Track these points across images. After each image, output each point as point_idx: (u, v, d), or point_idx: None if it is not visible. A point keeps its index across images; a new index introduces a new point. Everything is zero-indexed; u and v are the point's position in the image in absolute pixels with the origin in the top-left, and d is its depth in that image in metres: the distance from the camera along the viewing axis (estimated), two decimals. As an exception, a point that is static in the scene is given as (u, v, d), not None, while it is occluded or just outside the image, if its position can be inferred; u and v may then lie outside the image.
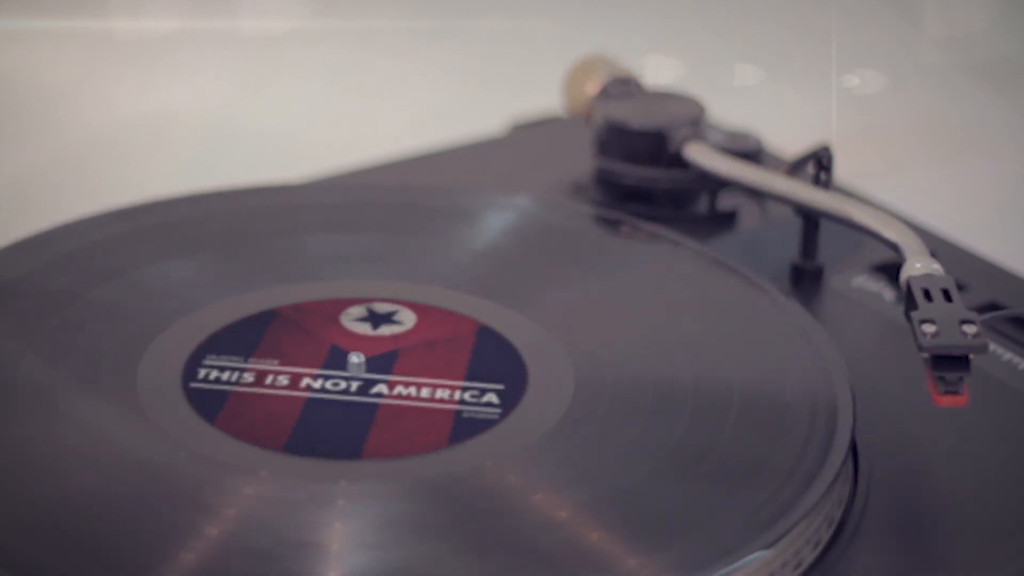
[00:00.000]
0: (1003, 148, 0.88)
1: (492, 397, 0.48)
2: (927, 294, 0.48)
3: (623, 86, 0.65)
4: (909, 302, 0.49)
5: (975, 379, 0.53)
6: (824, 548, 0.45)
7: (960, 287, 0.58)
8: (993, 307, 0.57)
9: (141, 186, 0.63)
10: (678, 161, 0.62)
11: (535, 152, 0.70)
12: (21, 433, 0.46)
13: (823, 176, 0.58)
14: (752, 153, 0.63)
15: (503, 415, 0.47)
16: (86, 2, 0.97)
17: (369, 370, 0.49)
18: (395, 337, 0.51)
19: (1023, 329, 0.56)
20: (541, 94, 0.68)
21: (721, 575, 0.42)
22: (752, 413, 0.48)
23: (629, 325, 0.52)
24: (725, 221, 0.62)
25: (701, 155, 0.61)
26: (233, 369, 0.49)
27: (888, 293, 0.58)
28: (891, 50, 0.96)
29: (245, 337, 0.51)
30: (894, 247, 0.53)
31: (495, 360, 0.50)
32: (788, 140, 0.68)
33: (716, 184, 0.62)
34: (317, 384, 0.49)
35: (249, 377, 0.49)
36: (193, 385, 0.48)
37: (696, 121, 0.63)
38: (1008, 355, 0.54)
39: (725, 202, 0.63)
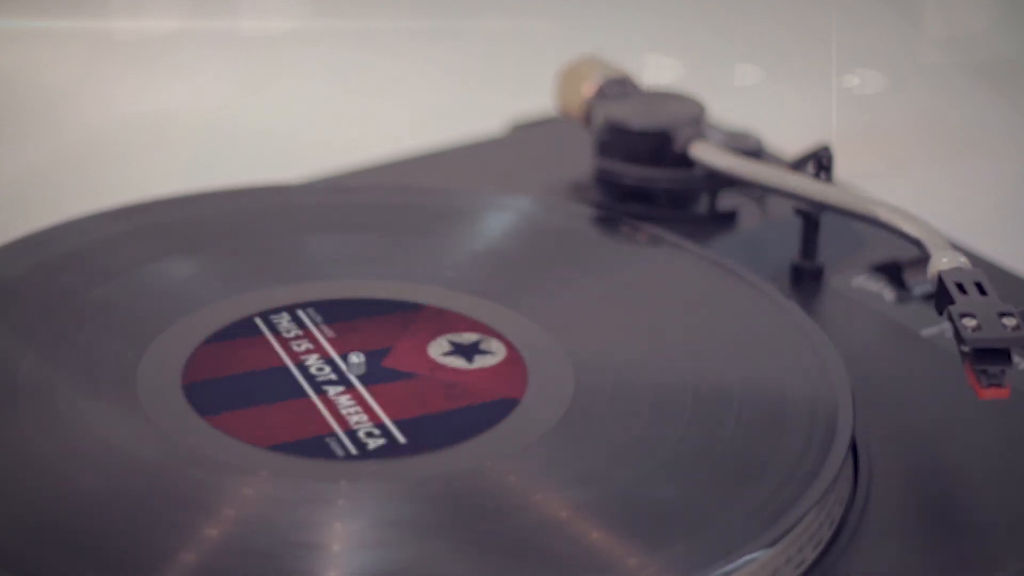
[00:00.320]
0: (1003, 148, 0.88)
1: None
2: (960, 287, 0.48)
3: (619, 86, 0.65)
4: (943, 296, 0.48)
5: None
6: (824, 548, 0.45)
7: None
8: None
9: (141, 186, 0.63)
10: (683, 161, 0.62)
11: (535, 152, 0.70)
12: (21, 433, 0.46)
13: (823, 176, 0.58)
14: (752, 153, 0.63)
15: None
16: (86, 2, 0.97)
17: (369, 366, 0.50)
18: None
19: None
20: (541, 94, 0.68)
21: (721, 575, 0.42)
22: (752, 413, 0.48)
23: (629, 325, 0.52)
24: (725, 221, 0.62)
25: (709, 154, 0.61)
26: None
27: (888, 293, 0.58)
28: (891, 50, 0.96)
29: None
30: (916, 243, 0.53)
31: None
32: (788, 140, 0.68)
33: (722, 183, 0.62)
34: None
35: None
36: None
37: (697, 120, 0.63)
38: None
39: (725, 202, 0.63)
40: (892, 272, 0.59)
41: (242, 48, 0.96)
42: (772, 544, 0.43)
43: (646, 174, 0.62)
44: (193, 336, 0.51)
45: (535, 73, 0.69)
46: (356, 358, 0.50)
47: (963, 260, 0.50)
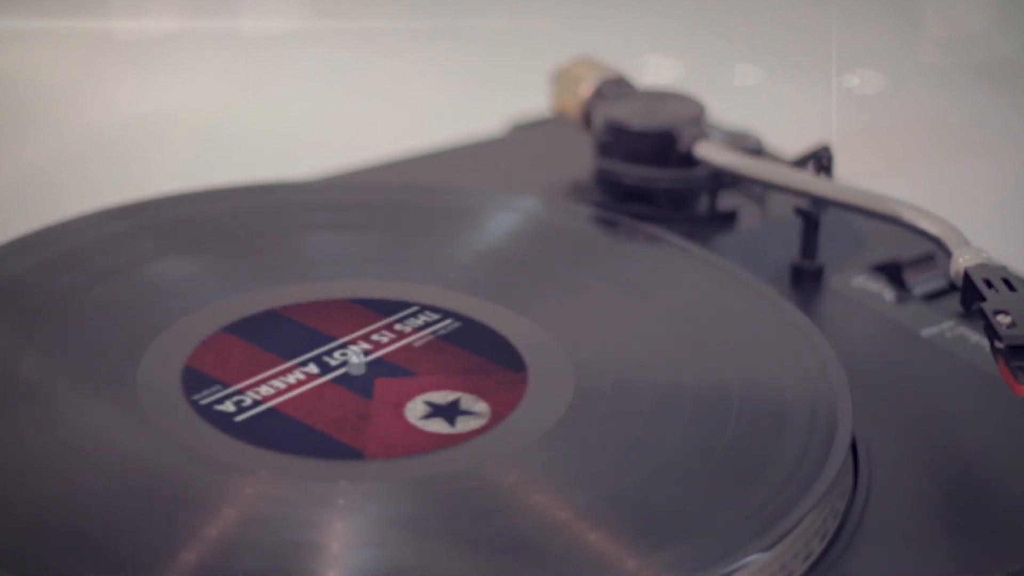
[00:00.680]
0: (1003, 148, 0.88)
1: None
2: (988, 283, 0.48)
3: (617, 87, 0.65)
4: (971, 293, 0.48)
5: (974, 378, 0.53)
6: (824, 549, 0.45)
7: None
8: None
9: (141, 186, 0.63)
10: (684, 161, 0.62)
11: (535, 152, 0.70)
12: (21, 433, 0.46)
13: (823, 176, 0.58)
14: (752, 153, 0.63)
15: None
16: (86, 2, 0.97)
17: (369, 366, 0.50)
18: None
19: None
20: (541, 94, 0.68)
21: None
22: (751, 414, 0.48)
23: (629, 326, 0.52)
24: (725, 221, 0.62)
25: (717, 154, 0.61)
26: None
27: (888, 293, 0.58)
28: (891, 50, 0.96)
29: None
30: (935, 240, 0.53)
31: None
32: (788, 140, 0.68)
33: (723, 183, 0.62)
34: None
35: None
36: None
37: (698, 120, 0.63)
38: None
39: (725, 202, 0.63)
40: (892, 272, 0.59)
41: (242, 48, 0.96)
42: (772, 546, 0.43)
43: (647, 174, 0.62)
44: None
45: (535, 73, 0.69)
46: (356, 358, 0.50)
47: (985, 255, 0.50)
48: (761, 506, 0.44)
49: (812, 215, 0.59)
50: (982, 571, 0.45)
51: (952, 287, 0.58)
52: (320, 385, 0.49)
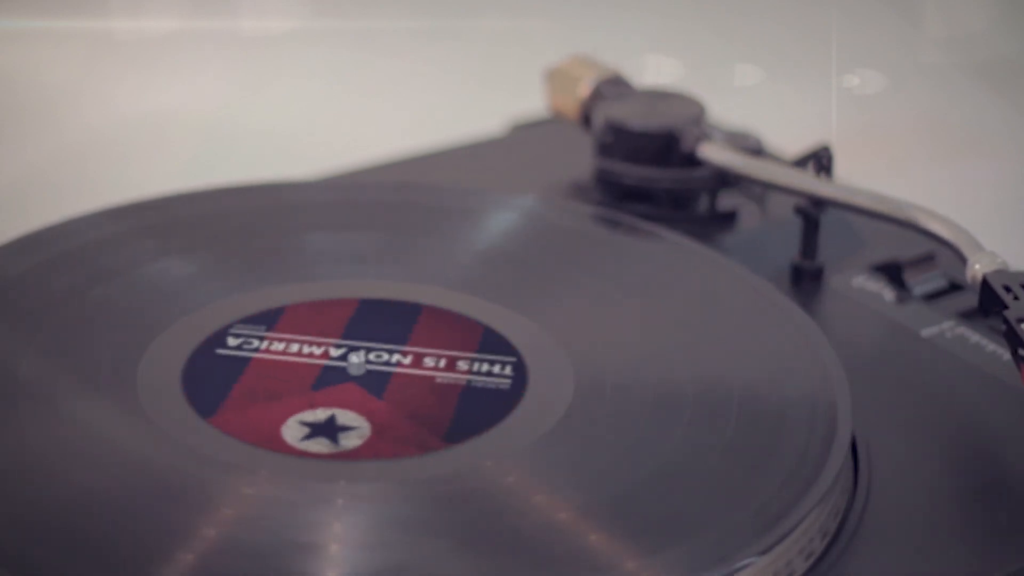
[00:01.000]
0: (1003, 148, 0.88)
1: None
2: (1008, 290, 0.48)
3: (615, 86, 0.65)
4: (990, 299, 0.49)
5: (973, 379, 0.53)
6: (824, 549, 0.45)
7: (959, 287, 0.58)
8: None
9: (141, 186, 0.63)
10: (686, 160, 0.62)
11: (535, 152, 0.70)
12: (21, 433, 0.46)
13: (823, 176, 0.58)
14: (752, 153, 0.63)
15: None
16: (86, 2, 0.97)
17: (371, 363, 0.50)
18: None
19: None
20: (541, 94, 0.68)
21: None
22: (751, 414, 0.48)
23: (629, 325, 0.52)
24: (725, 221, 0.62)
25: (723, 156, 0.61)
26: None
27: (888, 293, 0.58)
28: (891, 50, 0.96)
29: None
30: (948, 244, 0.53)
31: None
32: (788, 140, 0.68)
33: (724, 183, 0.62)
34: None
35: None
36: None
37: (699, 120, 0.63)
38: (1008, 355, 0.54)
39: (725, 202, 0.63)
40: (892, 272, 0.59)
41: (242, 48, 0.96)
42: (772, 546, 0.43)
43: (647, 174, 0.62)
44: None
45: (535, 73, 0.69)
46: (356, 358, 0.50)
47: (1000, 260, 0.50)
48: (761, 506, 0.44)
49: (812, 215, 0.59)
50: (982, 571, 0.45)
51: (952, 287, 0.58)
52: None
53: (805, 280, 0.59)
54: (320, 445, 0.46)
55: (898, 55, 0.96)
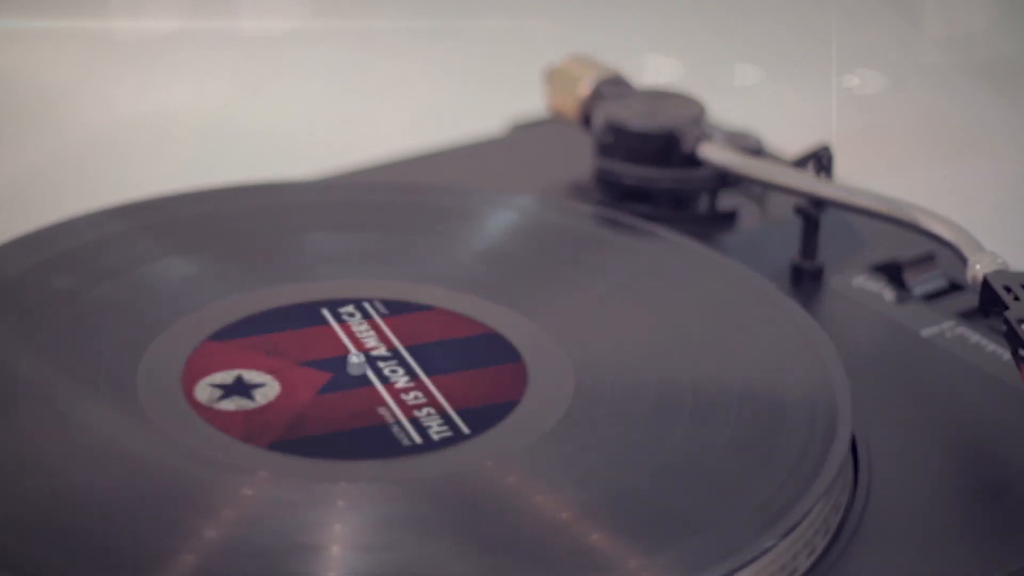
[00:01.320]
0: (1003, 148, 0.88)
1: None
2: (1008, 290, 0.48)
3: (615, 86, 0.65)
4: (990, 299, 0.49)
5: (973, 379, 0.53)
6: (823, 549, 0.45)
7: (959, 287, 0.58)
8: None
9: (141, 186, 0.63)
10: (686, 161, 0.62)
11: (535, 152, 0.70)
12: (21, 433, 0.46)
13: (823, 176, 0.58)
14: (752, 153, 0.63)
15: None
16: (86, 2, 0.97)
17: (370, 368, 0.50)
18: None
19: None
20: (541, 94, 0.68)
21: None
22: (751, 413, 0.48)
23: (629, 325, 0.52)
24: (725, 221, 0.62)
25: (724, 156, 0.61)
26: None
27: (888, 293, 0.58)
28: (891, 50, 0.96)
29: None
30: (948, 244, 0.53)
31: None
32: (788, 140, 0.68)
33: (724, 183, 0.62)
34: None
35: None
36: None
37: (699, 120, 0.63)
38: (1008, 355, 0.54)
39: (725, 202, 0.63)
40: (892, 272, 0.59)
41: (242, 48, 0.96)
42: (772, 545, 0.43)
43: (647, 174, 0.62)
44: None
45: (535, 73, 0.69)
46: (356, 358, 0.50)
47: (1000, 260, 0.50)
48: (761, 506, 0.44)
49: (812, 215, 0.59)
50: (982, 571, 0.45)
51: (952, 287, 0.58)
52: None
53: (805, 280, 0.59)
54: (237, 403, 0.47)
55: (898, 55, 0.96)
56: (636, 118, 0.63)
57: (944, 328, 0.56)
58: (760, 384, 0.49)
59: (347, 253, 0.56)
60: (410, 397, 0.48)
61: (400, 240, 0.57)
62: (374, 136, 0.80)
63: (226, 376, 0.48)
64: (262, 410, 0.47)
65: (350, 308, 0.53)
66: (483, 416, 0.47)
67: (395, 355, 0.50)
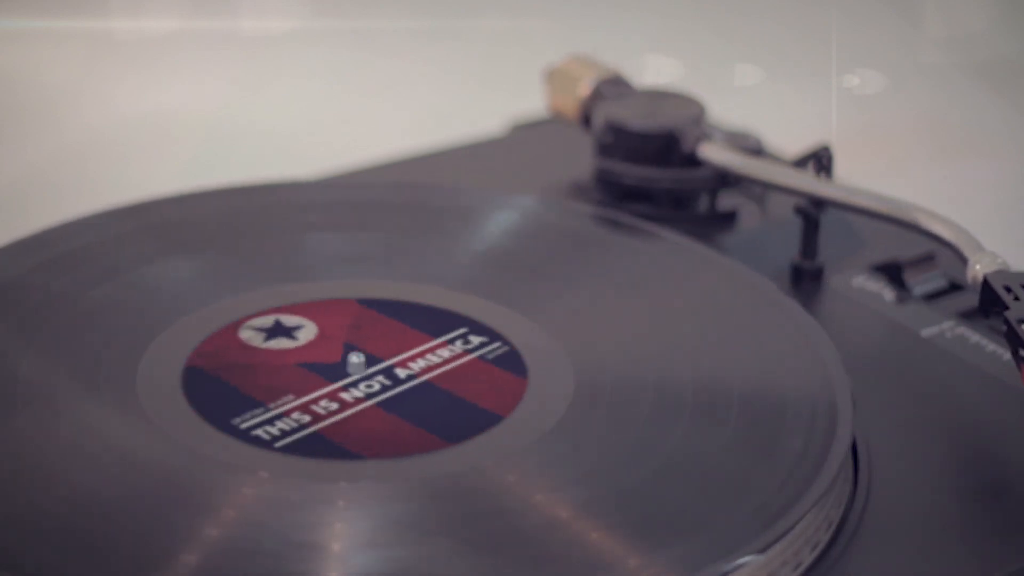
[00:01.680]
0: (1003, 148, 0.88)
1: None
2: (1008, 290, 0.48)
3: (615, 86, 0.65)
4: (991, 300, 0.49)
5: (973, 379, 0.53)
6: (824, 548, 0.45)
7: (959, 287, 0.58)
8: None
9: (141, 186, 0.63)
10: (686, 161, 0.62)
11: (535, 152, 0.70)
12: (21, 433, 0.46)
13: (823, 176, 0.58)
14: (752, 153, 0.63)
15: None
16: (86, 2, 0.97)
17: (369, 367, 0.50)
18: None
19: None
20: (541, 94, 0.68)
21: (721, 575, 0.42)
22: (751, 413, 0.48)
23: (629, 325, 0.52)
24: (725, 221, 0.62)
25: (720, 155, 0.61)
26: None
27: (888, 293, 0.58)
28: (891, 50, 0.96)
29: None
30: (948, 244, 0.53)
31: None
32: (788, 140, 0.68)
33: (724, 183, 0.62)
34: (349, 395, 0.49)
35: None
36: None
37: (699, 120, 0.63)
38: (1008, 355, 0.54)
39: (725, 202, 0.63)
40: (892, 272, 0.59)
41: (242, 48, 0.96)
42: (771, 545, 0.43)
43: (647, 174, 0.62)
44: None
45: (535, 73, 0.69)
46: (356, 358, 0.50)
47: (1000, 260, 0.50)
48: (761, 505, 0.44)
49: (812, 215, 0.59)
50: (982, 571, 0.45)
51: (952, 287, 0.58)
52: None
53: (805, 280, 0.59)
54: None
55: (898, 55, 0.96)
56: (636, 118, 0.63)
57: (944, 328, 0.56)
58: (760, 384, 0.49)
59: (347, 253, 0.56)
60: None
61: (400, 240, 0.57)
62: (374, 136, 0.80)
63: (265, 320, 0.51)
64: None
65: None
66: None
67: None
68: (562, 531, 0.43)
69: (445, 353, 0.51)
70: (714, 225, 0.62)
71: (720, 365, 0.50)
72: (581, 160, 0.66)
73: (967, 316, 0.56)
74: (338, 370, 0.49)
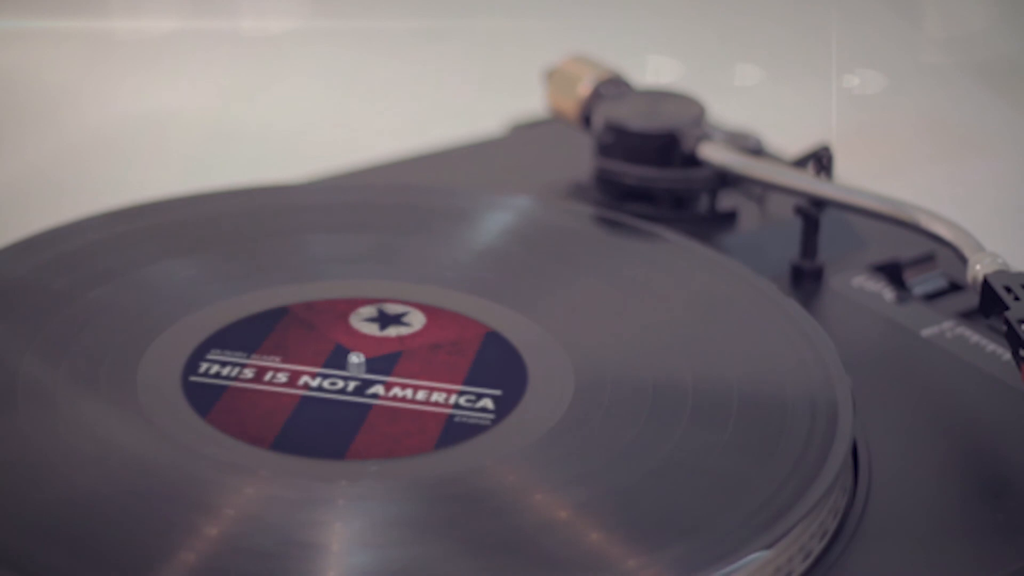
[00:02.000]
0: (1003, 148, 0.88)
1: (487, 403, 0.48)
2: (1009, 290, 0.48)
3: (615, 86, 0.65)
4: (991, 300, 0.49)
5: (973, 379, 0.53)
6: (824, 548, 0.45)
7: (959, 287, 0.58)
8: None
9: (141, 186, 0.63)
10: (686, 161, 0.62)
11: (535, 152, 0.70)
12: (21, 433, 0.46)
13: (823, 176, 0.59)
14: (752, 153, 0.63)
15: (496, 421, 0.47)
16: (86, 2, 0.97)
17: (370, 371, 0.49)
18: (401, 339, 0.51)
19: None
20: (541, 94, 0.68)
21: None
22: (751, 413, 0.48)
23: (629, 325, 0.52)
24: (725, 221, 0.62)
25: (720, 155, 0.61)
26: (234, 364, 0.49)
27: (888, 293, 0.58)
28: (891, 50, 0.96)
29: (251, 333, 0.51)
30: (949, 245, 0.53)
31: (496, 363, 0.50)
32: (788, 140, 0.68)
33: (724, 183, 0.62)
34: (315, 383, 0.49)
35: (249, 373, 0.49)
36: (193, 379, 0.48)
37: (699, 120, 0.63)
38: (1008, 355, 0.54)
39: (725, 202, 0.63)
40: (892, 272, 0.59)
41: (242, 48, 0.96)
42: (771, 545, 0.43)
43: (647, 174, 0.62)
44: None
45: (535, 73, 0.69)
46: (356, 358, 0.50)
47: (1001, 260, 0.50)
48: (761, 505, 0.44)
49: (812, 215, 0.59)
50: (982, 571, 0.45)
51: (952, 287, 0.58)
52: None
53: (805, 280, 0.59)
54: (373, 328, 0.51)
55: (898, 55, 0.96)
56: (636, 118, 0.63)
57: (944, 328, 0.56)
58: (760, 384, 0.49)
59: (347, 253, 0.56)
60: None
61: (400, 240, 0.57)
62: (374, 136, 0.80)
63: None
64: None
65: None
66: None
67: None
68: (562, 531, 0.43)
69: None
70: (714, 225, 0.62)
71: (720, 365, 0.50)
72: (581, 160, 0.66)
73: (967, 316, 0.56)
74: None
